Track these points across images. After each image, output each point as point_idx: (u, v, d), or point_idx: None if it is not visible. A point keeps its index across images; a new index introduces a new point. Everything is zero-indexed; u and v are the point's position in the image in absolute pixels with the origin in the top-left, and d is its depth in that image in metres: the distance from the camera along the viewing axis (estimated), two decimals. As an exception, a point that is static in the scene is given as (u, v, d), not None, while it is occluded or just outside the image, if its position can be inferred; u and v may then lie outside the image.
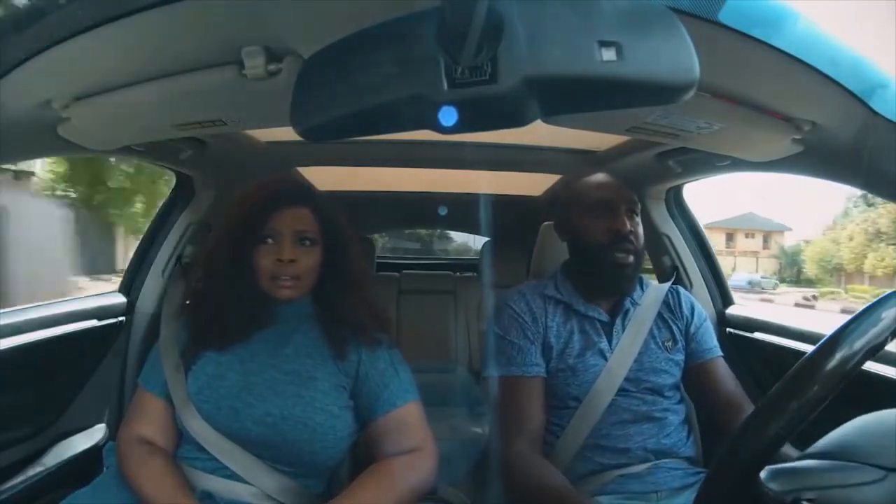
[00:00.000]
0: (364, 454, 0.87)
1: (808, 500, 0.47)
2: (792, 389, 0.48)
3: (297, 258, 0.83)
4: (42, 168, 8.10)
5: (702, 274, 1.44)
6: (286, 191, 0.87)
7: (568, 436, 0.92)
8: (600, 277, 0.98)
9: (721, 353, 1.02)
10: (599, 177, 1.03)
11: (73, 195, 8.62)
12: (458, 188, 1.79)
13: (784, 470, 0.50)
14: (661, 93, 0.42)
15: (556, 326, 0.98)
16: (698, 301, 1.09)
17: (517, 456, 0.88)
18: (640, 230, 0.99)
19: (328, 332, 0.86)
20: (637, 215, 0.99)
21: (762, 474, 0.48)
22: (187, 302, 0.90)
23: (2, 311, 1.08)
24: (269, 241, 0.83)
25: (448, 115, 0.42)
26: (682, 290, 1.08)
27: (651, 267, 1.53)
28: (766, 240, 23.52)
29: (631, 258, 0.96)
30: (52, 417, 1.18)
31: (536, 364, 0.95)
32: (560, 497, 0.82)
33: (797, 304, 13.11)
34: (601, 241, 0.96)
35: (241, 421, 0.79)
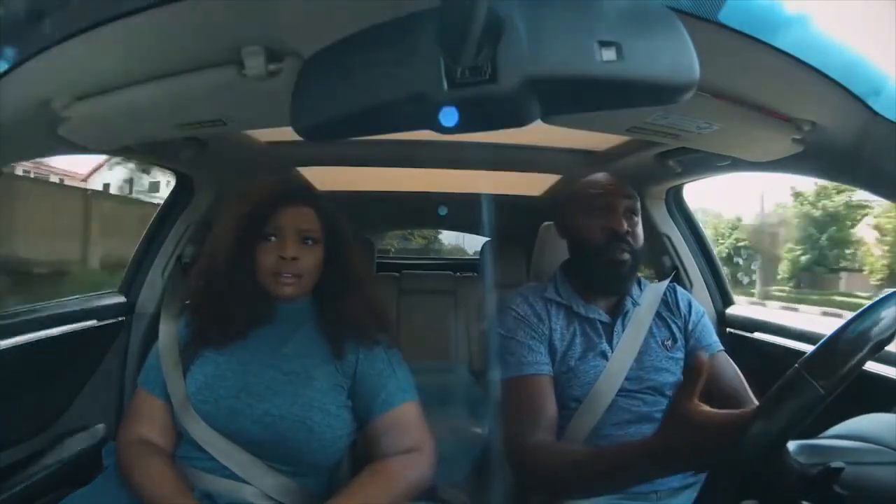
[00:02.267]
0: (363, 454, 0.87)
1: (832, 474, 0.48)
2: (814, 367, 0.49)
3: (300, 256, 0.83)
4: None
5: (702, 274, 1.44)
6: (290, 189, 0.88)
7: (568, 436, 0.92)
8: (597, 276, 0.98)
9: (721, 348, 1.02)
10: (599, 176, 1.03)
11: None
12: (458, 188, 1.78)
13: (811, 445, 0.53)
14: (661, 93, 0.42)
15: (560, 329, 0.97)
16: (699, 301, 1.09)
17: (538, 446, 0.86)
18: (640, 230, 0.99)
19: (327, 332, 0.86)
20: (636, 215, 0.99)
21: (790, 447, 0.50)
22: (187, 302, 0.90)
23: (2, 311, 1.08)
24: (273, 238, 0.83)
25: (448, 115, 0.42)
26: (678, 287, 1.08)
27: (651, 269, 1.53)
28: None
29: (627, 257, 0.96)
30: (52, 417, 1.18)
31: (546, 363, 0.94)
32: (589, 459, 0.78)
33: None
34: (598, 240, 0.96)
35: (239, 421, 0.79)
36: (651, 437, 0.64)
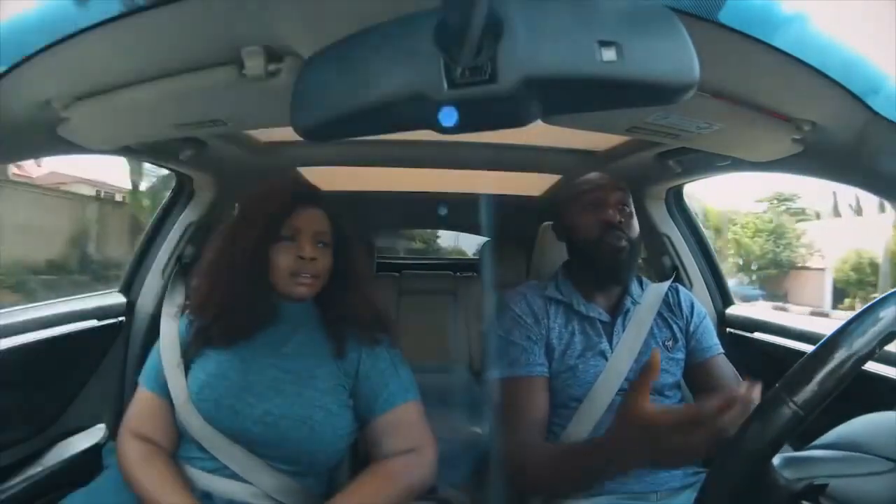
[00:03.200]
0: (364, 454, 0.87)
1: (818, 487, 0.48)
2: (792, 388, 0.48)
3: (316, 257, 0.84)
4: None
5: (702, 274, 1.44)
6: (304, 192, 0.88)
7: (568, 436, 0.92)
8: (597, 268, 0.99)
9: (722, 350, 1.02)
10: (590, 176, 1.05)
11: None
12: (458, 188, 1.78)
13: (797, 458, 0.52)
14: (661, 93, 0.42)
15: (558, 328, 0.98)
16: (699, 301, 1.09)
17: (525, 446, 0.87)
18: (634, 223, 1.00)
19: (329, 331, 0.86)
20: (628, 208, 1.00)
21: (775, 461, 0.50)
22: (187, 301, 0.90)
23: (2, 311, 1.08)
24: (289, 240, 0.84)
25: (448, 116, 0.42)
26: (681, 288, 1.08)
27: (651, 269, 1.53)
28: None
29: (624, 243, 0.97)
30: (52, 417, 1.18)
31: (540, 364, 0.95)
32: (575, 454, 0.80)
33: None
34: (593, 234, 0.98)
35: (240, 420, 0.79)
36: (605, 435, 0.69)
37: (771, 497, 0.48)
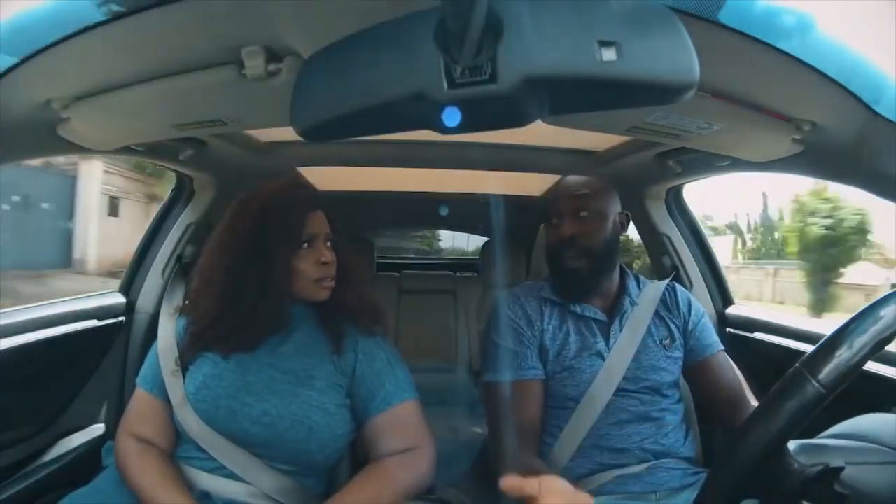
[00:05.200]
0: (363, 454, 0.87)
1: (831, 473, 0.49)
2: (814, 367, 0.49)
3: (332, 260, 0.85)
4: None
5: (702, 274, 1.44)
6: (311, 194, 0.88)
7: (566, 436, 0.92)
8: (560, 284, 1.00)
9: (722, 348, 1.02)
10: (560, 181, 1.05)
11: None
12: (458, 188, 1.78)
13: (811, 444, 0.53)
14: (661, 93, 0.42)
15: (552, 329, 0.98)
16: (699, 301, 1.09)
17: (512, 458, 0.88)
18: (595, 230, 0.97)
19: (326, 327, 0.86)
20: (586, 211, 0.97)
21: (791, 447, 0.50)
22: (186, 302, 0.90)
23: (2, 311, 1.08)
24: (306, 245, 0.84)
25: (448, 115, 0.42)
26: (678, 286, 1.07)
27: (651, 269, 1.53)
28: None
29: (576, 262, 0.95)
30: (52, 417, 1.18)
31: (533, 367, 0.95)
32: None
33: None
34: (551, 247, 0.99)
35: (238, 420, 0.79)
36: None
37: (786, 481, 0.49)
